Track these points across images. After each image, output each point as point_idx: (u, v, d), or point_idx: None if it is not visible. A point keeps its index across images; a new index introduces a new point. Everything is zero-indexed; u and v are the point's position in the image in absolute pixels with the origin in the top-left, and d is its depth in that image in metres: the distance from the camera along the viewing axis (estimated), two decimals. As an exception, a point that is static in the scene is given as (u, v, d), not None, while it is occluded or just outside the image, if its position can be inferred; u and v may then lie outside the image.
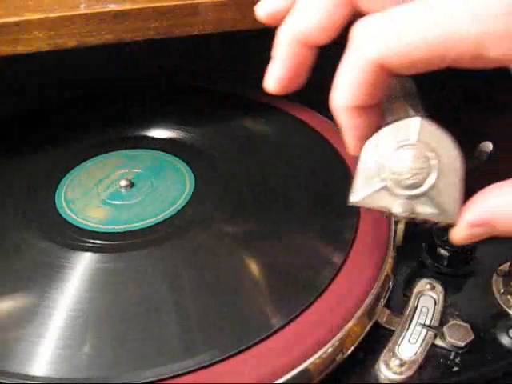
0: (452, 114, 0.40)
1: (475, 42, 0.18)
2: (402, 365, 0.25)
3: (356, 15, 0.21)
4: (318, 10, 0.22)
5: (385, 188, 0.22)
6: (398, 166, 0.22)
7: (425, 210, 0.22)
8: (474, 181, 0.21)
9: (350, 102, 0.21)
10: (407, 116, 0.23)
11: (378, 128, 0.22)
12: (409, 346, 0.26)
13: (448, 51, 0.18)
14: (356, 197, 0.23)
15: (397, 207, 0.22)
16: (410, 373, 0.25)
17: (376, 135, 0.22)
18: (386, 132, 0.22)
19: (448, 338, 0.26)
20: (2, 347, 0.24)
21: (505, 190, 0.20)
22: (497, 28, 0.17)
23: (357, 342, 0.25)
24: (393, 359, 0.25)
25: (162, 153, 0.37)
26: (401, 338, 0.26)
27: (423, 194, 0.22)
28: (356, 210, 0.30)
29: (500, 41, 0.17)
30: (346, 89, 0.21)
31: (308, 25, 0.22)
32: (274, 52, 0.23)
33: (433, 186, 0.22)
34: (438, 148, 0.21)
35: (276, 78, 0.23)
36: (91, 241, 0.29)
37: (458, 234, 0.21)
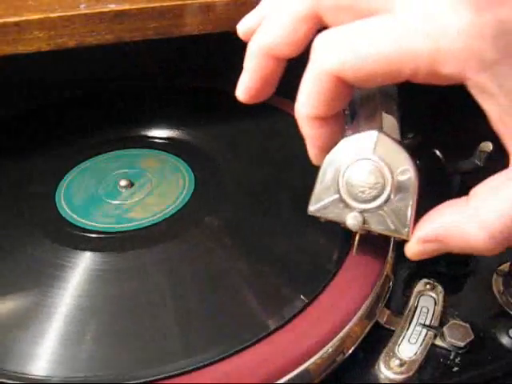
0: (452, 113, 0.40)
1: (429, 58, 0.17)
2: (401, 365, 0.25)
3: (322, 29, 0.21)
4: (283, 25, 0.22)
5: (340, 200, 0.22)
6: (353, 178, 0.22)
7: (378, 225, 0.22)
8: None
9: (309, 112, 0.21)
10: (380, 126, 0.22)
11: (340, 138, 0.22)
12: (409, 346, 0.26)
13: (403, 66, 0.18)
14: (313, 206, 0.23)
15: (350, 219, 0.22)
16: (410, 373, 0.25)
17: (337, 146, 0.22)
18: (346, 143, 0.22)
19: (448, 338, 0.26)
20: (2, 347, 0.24)
21: (458, 208, 0.20)
22: (453, 46, 0.17)
23: (357, 343, 0.25)
24: (393, 359, 0.25)
25: (161, 152, 0.37)
26: (401, 338, 0.26)
27: (377, 209, 0.22)
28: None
29: (454, 58, 0.17)
30: (306, 99, 0.21)
31: (273, 39, 0.22)
32: (244, 64, 0.24)
33: (386, 201, 0.21)
34: (393, 163, 0.21)
35: (245, 88, 0.24)
36: (91, 240, 0.29)
37: (411, 250, 0.22)
